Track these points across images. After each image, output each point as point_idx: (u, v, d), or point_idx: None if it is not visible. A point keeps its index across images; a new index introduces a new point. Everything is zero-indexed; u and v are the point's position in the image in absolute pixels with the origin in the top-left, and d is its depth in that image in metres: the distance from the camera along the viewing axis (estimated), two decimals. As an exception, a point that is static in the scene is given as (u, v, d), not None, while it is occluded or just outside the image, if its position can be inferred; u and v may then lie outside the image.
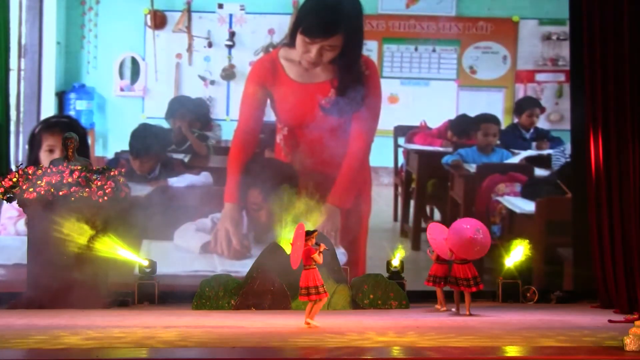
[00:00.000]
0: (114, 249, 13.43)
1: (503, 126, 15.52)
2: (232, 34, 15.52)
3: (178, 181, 15.36)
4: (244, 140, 15.30)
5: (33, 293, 13.15)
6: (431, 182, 15.61)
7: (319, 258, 10.60)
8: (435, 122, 15.54)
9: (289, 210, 13.94)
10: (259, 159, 15.33)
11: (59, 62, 15.41)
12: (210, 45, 15.50)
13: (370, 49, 15.53)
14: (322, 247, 10.72)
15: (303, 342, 9.14)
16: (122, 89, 15.57)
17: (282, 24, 15.45)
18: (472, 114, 15.49)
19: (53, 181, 13.09)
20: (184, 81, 15.52)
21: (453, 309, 12.54)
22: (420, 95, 15.58)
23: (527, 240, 13.96)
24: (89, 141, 15.28)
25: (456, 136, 15.49)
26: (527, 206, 15.10)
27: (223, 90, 15.55)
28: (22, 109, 15.42)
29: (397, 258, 13.96)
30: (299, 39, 15.17)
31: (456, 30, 15.61)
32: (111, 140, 15.46)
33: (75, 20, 15.43)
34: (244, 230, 15.06)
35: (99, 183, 13.16)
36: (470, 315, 12.06)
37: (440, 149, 15.46)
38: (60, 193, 13.03)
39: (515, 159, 15.48)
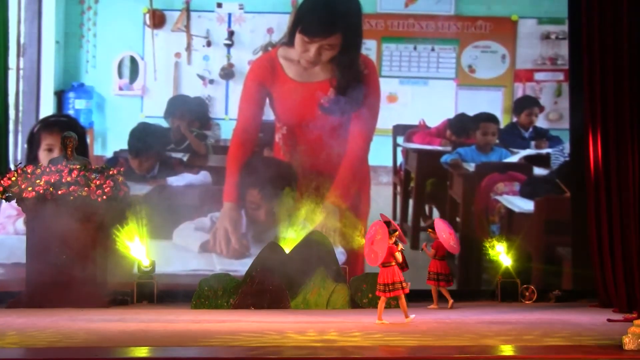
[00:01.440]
0: (122, 245, 13.48)
1: (502, 125, 15.53)
2: (231, 33, 15.52)
3: (177, 180, 15.36)
4: (243, 139, 15.30)
5: (32, 292, 13.15)
6: (430, 181, 15.61)
7: (399, 256, 10.91)
8: (434, 121, 15.54)
9: (293, 212, 13.96)
10: (258, 158, 15.33)
11: (57, 61, 15.41)
12: (209, 44, 15.50)
13: (369, 48, 15.53)
14: (400, 246, 11.04)
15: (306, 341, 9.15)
16: (121, 88, 15.57)
17: (281, 23, 15.44)
18: (471, 113, 15.49)
19: (52, 180, 13.09)
20: (183, 80, 15.52)
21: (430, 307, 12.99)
22: (419, 95, 15.58)
23: (502, 237, 14.14)
24: (88, 140, 15.28)
25: (455, 135, 15.49)
26: (526, 205, 15.09)
27: (222, 90, 15.56)
28: (21, 108, 15.42)
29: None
30: (298, 38, 15.17)
31: (455, 30, 15.62)
32: (110, 139, 15.45)
33: (74, 19, 15.43)
34: (243, 229, 15.05)
35: (97, 182, 13.16)
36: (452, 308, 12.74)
37: (439, 148, 15.46)
38: (59, 192, 13.03)
39: (514, 158, 15.49)
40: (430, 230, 13.48)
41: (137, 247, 13.76)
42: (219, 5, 15.54)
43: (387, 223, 13.30)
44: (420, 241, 14.88)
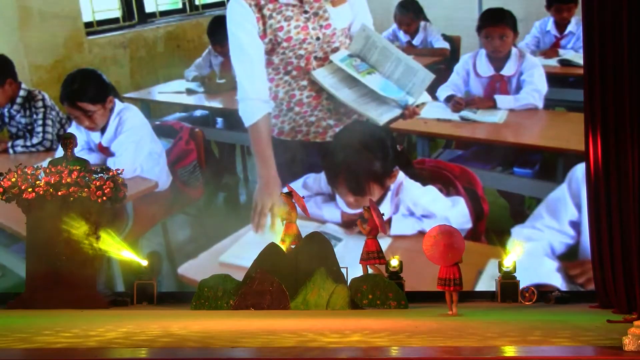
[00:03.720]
0: (114, 248, 13.47)
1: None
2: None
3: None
4: None
5: (32, 293, 13.16)
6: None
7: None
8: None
9: None
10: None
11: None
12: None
13: None
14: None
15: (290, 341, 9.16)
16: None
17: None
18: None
19: (52, 181, 13.10)
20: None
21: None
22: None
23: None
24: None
25: None
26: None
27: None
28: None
29: (395, 258, 13.95)
30: None
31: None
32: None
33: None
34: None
35: (97, 183, 13.17)
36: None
37: None
38: (59, 193, 13.04)
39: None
40: (365, 209, 13.55)
41: (125, 252, 13.71)
42: None
43: (289, 194, 13.56)
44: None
